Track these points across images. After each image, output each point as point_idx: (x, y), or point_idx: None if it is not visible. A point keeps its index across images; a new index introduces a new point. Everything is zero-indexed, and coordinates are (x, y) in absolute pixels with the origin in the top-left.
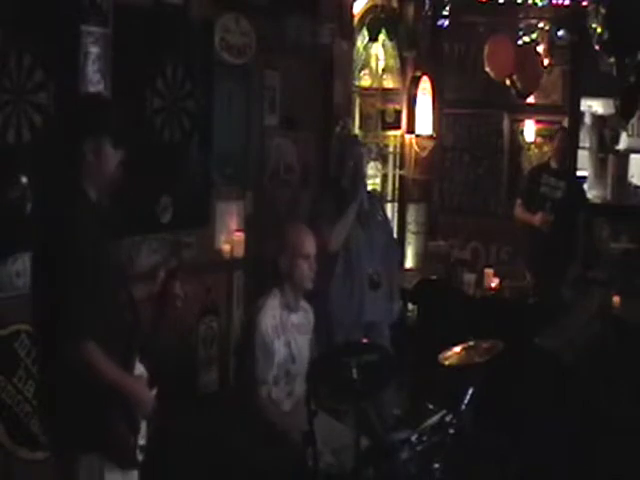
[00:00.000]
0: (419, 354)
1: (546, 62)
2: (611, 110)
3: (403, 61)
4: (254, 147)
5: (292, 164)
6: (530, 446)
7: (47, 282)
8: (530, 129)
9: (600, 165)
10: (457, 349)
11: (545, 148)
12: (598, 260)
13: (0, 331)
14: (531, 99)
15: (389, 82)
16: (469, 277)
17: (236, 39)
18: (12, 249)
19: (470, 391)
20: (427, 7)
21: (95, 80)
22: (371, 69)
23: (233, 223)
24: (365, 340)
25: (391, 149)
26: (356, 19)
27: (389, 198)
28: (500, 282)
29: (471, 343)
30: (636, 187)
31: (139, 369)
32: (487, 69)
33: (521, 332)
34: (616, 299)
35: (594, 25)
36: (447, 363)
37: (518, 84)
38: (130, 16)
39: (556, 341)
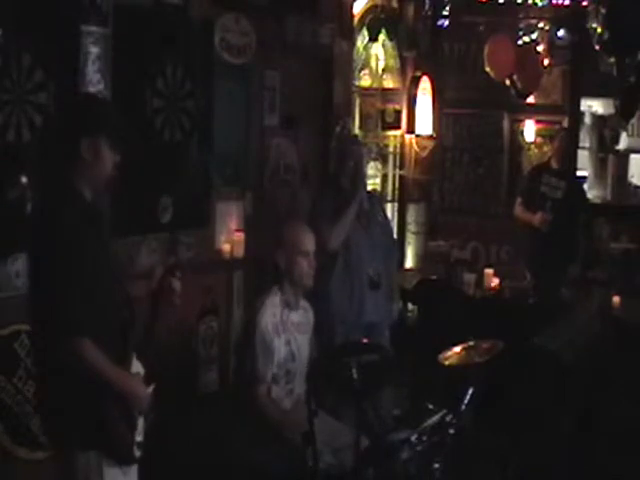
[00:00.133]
0: (419, 354)
1: (546, 62)
2: (611, 110)
3: (403, 61)
4: (254, 147)
5: (292, 164)
6: (530, 446)
7: (41, 280)
8: (530, 129)
9: (600, 165)
10: (457, 349)
11: (545, 148)
12: (598, 260)
13: (0, 331)
14: (531, 99)
15: (389, 82)
16: (469, 277)
17: (236, 39)
18: (12, 249)
19: (470, 391)
20: (427, 7)
21: (95, 80)
22: (371, 69)
23: (233, 223)
24: (365, 340)
25: (391, 149)
26: (356, 19)
27: (389, 198)
28: (500, 282)
29: (471, 343)
30: (636, 187)
31: (136, 366)
32: (487, 69)
33: (521, 332)
34: (616, 299)
35: (594, 25)
36: (447, 363)
37: (518, 84)
38: (130, 16)
39: (556, 341)
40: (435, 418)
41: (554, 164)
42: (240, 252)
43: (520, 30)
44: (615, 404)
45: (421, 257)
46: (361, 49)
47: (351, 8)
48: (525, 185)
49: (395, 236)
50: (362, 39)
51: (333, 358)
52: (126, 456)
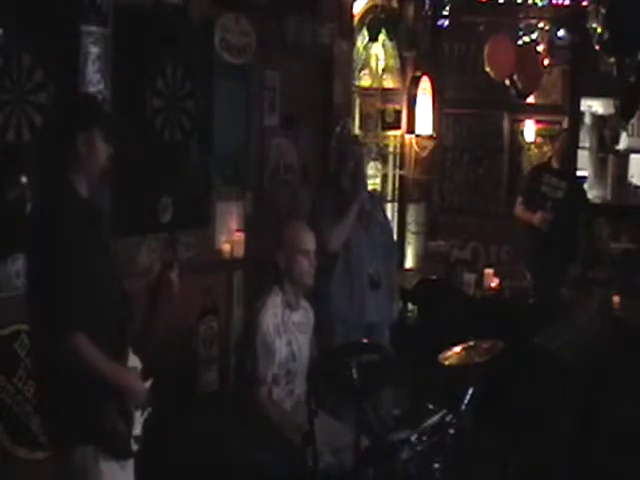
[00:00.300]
0: (419, 354)
1: (546, 62)
2: (611, 110)
3: (403, 61)
4: (254, 147)
5: (292, 164)
6: (530, 446)
7: (37, 276)
8: (530, 129)
9: (600, 165)
10: (457, 349)
11: (545, 148)
12: (598, 260)
13: (0, 331)
14: (531, 99)
15: (389, 82)
16: (469, 277)
17: (236, 39)
18: (12, 249)
19: (470, 391)
20: (427, 7)
21: (95, 80)
22: (371, 69)
23: (233, 223)
24: (365, 340)
25: (391, 149)
26: (356, 19)
27: (389, 198)
28: (500, 282)
29: (471, 343)
30: (636, 187)
31: (133, 361)
32: (487, 69)
33: (521, 332)
34: (616, 299)
35: (594, 25)
36: (447, 363)
37: (518, 84)
38: (130, 16)
39: (556, 341)
40: (435, 418)
41: (555, 164)
42: (240, 252)
43: (520, 30)
44: (615, 404)
45: (421, 257)
46: (361, 49)
47: (351, 8)
48: (526, 185)
49: (395, 236)
50: (362, 39)
51: (333, 358)
52: (123, 450)
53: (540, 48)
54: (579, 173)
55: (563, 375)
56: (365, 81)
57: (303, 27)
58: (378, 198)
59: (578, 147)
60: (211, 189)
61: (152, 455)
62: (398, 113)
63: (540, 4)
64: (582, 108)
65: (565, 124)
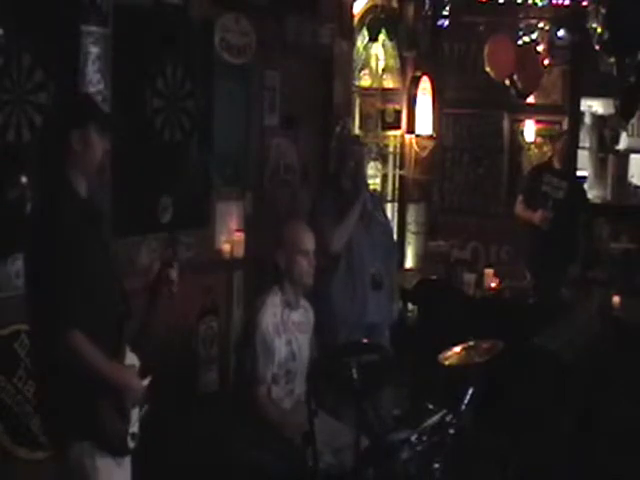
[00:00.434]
0: (419, 354)
1: (546, 62)
2: (611, 110)
3: (403, 61)
4: (254, 147)
5: (292, 164)
6: (530, 446)
7: (34, 273)
8: (530, 129)
9: (600, 165)
10: (457, 349)
11: (545, 148)
12: (598, 260)
13: (0, 331)
14: (531, 99)
15: (389, 82)
16: (469, 277)
17: (236, 39)
18: (12, 249)
19: (470, 391)
20: (427, 7)
21: (95, 80)
22: (371, 69)
23: (233, 223)
24: (365, 340)
25: (391, 149)
26: (356, 19)
27: (389, 198)
28: (500, 282)
29: (471, 343)
30: (636, 187)
31: (131, 359)
32: (487, 69)
33: (521, 332)
34: (616, 299)
35: (594, 25)
36: (447, 363)
37: (518, 84)
38: (130, 16)
39: (556, 341)
40: (435, 418)
41: (556, 164)
42: (240, 252)
43: (520, 30)
44: (615, 404)
45: (421, 257)
46: (361, 49)
47: (351, 8)
48: (526, 184)
49: (395, 236)
50: (362, 39)
51: (333, 358)
52: (119, 447)
53: (540, 48)
54: (579, 173)
55: (563, 375)
56: (365, 81)
57: (303, 27)
58: (378, 198)
59: (578, 147)
60: (211, 189)
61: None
62: (398, 113)
63: (540, 4)
64: (582, 108)
65: (565, 124)
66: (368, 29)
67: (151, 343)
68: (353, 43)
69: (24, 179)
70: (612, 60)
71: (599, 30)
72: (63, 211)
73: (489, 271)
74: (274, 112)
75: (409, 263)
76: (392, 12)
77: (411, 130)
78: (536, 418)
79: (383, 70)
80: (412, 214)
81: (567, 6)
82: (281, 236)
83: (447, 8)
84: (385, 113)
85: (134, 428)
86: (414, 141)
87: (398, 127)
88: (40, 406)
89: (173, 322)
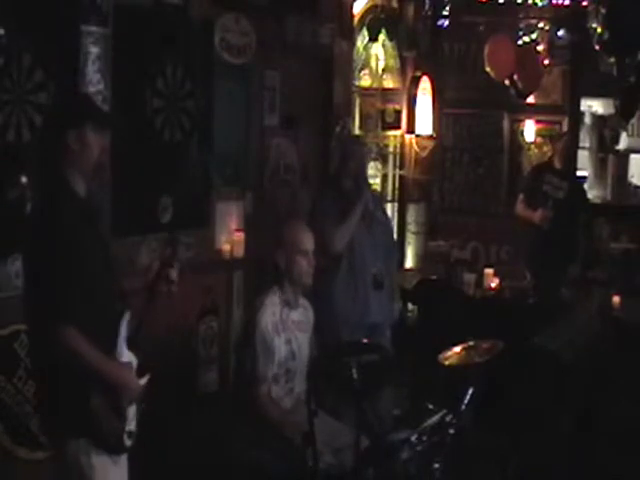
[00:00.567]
0: (419, 354)
1: (546, 62)
2: (611, 110)
3: (403, 61)
4: (254, 147)
5: (292, 164)
6: (530, 446)
7: (30, 270)
8: (530, 129)
9: (600, 165)
10: (457, 349)
11: (545, 148)
12: (598, 260)
13: (0, 331)
14: (531, 99)
15: (389, 82)
16: (469, 277)
17: (236, 39)
18: (12, 249)
19: (470, 391)
20: (427, 7)
21: (95, 80)
22: (371, 69)
23: (233, 223)
24: (365, 340)
25: (391, 149)
26: (356, 19)
27: (389, 198)
28: (500, 282)
29: (471, 343)
30: (636, 187)
31: (128, 356)
32: (487, 69)
33: (521, 332)
34: (616, 299)
35: (594, 25)
36: (447, 363)
37: (518, 84)
38: (130, 16)
39: (556, 341)
40: (435, 418)
41: (557, 164)
42: (240, 252)
43: (520, 30)
44: (615, 404)
45: (421, 257)
46: (361, 49)
47: (351, 8)
48: (527, 183)
49: (395, 236)
50: (362, 39)
51: (333, 358)
52: (115, 445)
53: (540, 48)
54: (579, 173)
55: (563, 375)
56: (365, 81)
57: (303, 27)
58: (379, 198)
59: (578, 147)
60: (211, 189)
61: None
62: (398, 113)
63: (540, 4)
64: (582, 108)
65: (565, 124)
66: (368, 29)
67: (149, 342)
68: (353, 43)
69: (24, 179)
70: (612, 60)
71: (599, 30)
72: (60, 210)
73: (489, 271)
74: (274, 112)
75: (409, 263)
76: (392, 12)
77: (411, 130)
78: (536, 418)
79: (383, 70)
80: (412, 214)
81: (567, 6)
82: (281, 236)
83: (447, 8)
84: (385, 113)
85: (131, 426)
86: (414, 141)
87: (398, 127)
88: (37, 403)
89: (173, 322)
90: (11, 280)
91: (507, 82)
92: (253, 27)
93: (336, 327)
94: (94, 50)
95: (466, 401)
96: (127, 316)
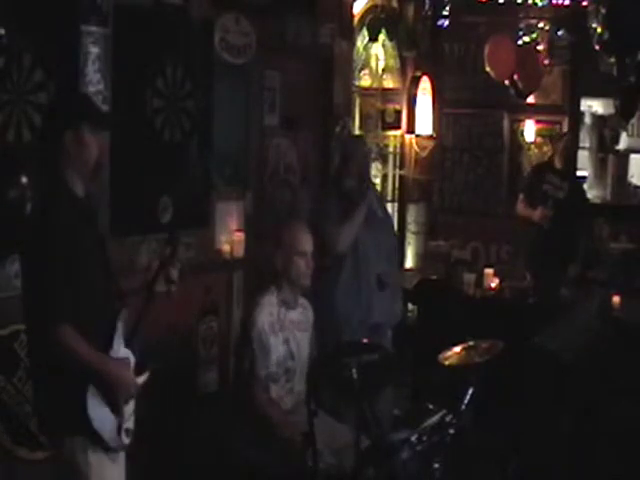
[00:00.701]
0: (419, 354)
1: (546, 62)
2: (611, 110)
3: (403, 61)
4: (254, 147)
5: (292, 164)
6: (530, 446)
7: (25, 268)
8: (530, 129)
9: (600, 165)
10: (457, 349)
11: (545, 148)
12: (598, 260)
13: (0, 331)
14: (531, 99)
15: (389, 82)
16: (469, 277)
17: (236, 39)
18: (12, 249)
19: (470, 391)
20: (427, 7)
21: (95, 80)
22: (371, 69)
23: (233, 223)
24: (365, 340)
25: (391, 149)
26: (356, 19)
27: (389, 198)
28: (500, 282)
29: (471, 343)
30: (636, 187)
31: (125, 354)
32: (487, 69)
33: (521, 332)
34: (616, 299)
35: (594, 25)
36: (447, 363)
37: (518, 84)
38: (130, 16)
39: (556, 341)
40: (435, 418)
41: (557, 164)
42: (240, 252)
43: (520, 30)
44: (615, 404)
45: (421, 257)
46: (361, 49)
47: (351, 8)
48: (527, 183)
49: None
50: (362, 39)
51: (333, 358)
52: (111, 442)
53: (540, 48)
54: (579, 173)
55: (563, 375)
56: (365, 81)
57: (303, 27)
58: (378, 196)
59: (578, 147)
60: (211, 189)
61: (152, 455)
62: (398, 113)
63: (540, 4)
64: (582, 108)
65: (565, 124)
66: (368, 29)
67: (147, 340)
68: (353, 43)
69: (24, 179)
70: (612, 60)
71: (599, 30)
72: (57, 209)
73: (489, 271)
74: (274, 112)
75: (409, 263)
76: (392, 12)
77: (411, 130)
78: (536, 418)
79: (383, 70)
80: (412, 214)
81: (567, 6)
82: (279, 237)
83: (447, 8)
84: (385, 113)
85: (128, 424)
86: (414, 141)
87: (398, 127)
88: (34, 401)
89: (173, 322)
90: (11, 280)
91: (507, 82)
92: (253, 27)
93: (338, 327)
94: (94, 50)
95: (466, 401)
96: (124, 314)
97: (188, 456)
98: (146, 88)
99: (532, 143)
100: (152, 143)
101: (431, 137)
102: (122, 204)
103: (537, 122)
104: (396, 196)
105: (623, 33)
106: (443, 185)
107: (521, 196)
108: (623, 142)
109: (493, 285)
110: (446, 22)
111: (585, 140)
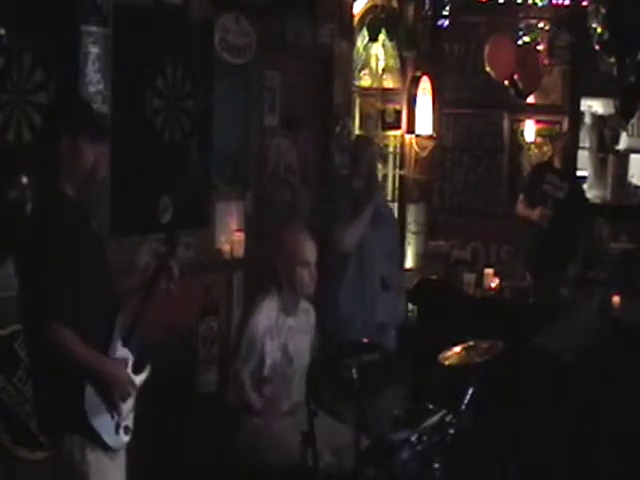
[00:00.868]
0: (419, 354)
1: (546, 62)
2: (611, 110)
3: (403, 61)
4: (254, 147)
5: (292, 164)
6: (530, 446)
7: (21, 266)
8: (530, 129)
9: (600, 165)
10: (457, 349)
11: (545, 148)
12: (598, 260)
13: (0, 331)
14: (531, 99)
15: (389, 82)
16: (469, 277)
17: (236, 39)
18: (12, 249)
19: (470, 391)
20: (427, 7)
21: (95, 80)
22: (371, 69)
23: (233, 223)
24: (365, 340)
25: (391, 149)
26: (356, 19)
27: (389, 198)
28: (500, 282)
29: (471, 343)
30: (636, 187)
31: (123, 352)
32: (487, 69)
33: (521, 332)
34: (616, 299)
35: (594, 25)
36: (447, 363)
37: (518, 84)
38: (130, 16)
39: (556, 341)
40: (435, 418)
41: (557, 164)
42: (240, 252)
43: (520, 30)
44: (615, 404)
45: (421, 257)
46: (361, 49)
47: (351, 8)
48: (527, 183)
49: None
50: (362, 39)
51: (333, 358)
52: (109, 441)
53: (540, 48)
54: (579, 173)
55: (563, 375)
56: (365, 81)
57: (303, 27)
58: (385, 197)
59: (578, 147)
60: (211, 189)
61: (152, 455)
62: (398, 113)
63: (540, 4)
64: (582, 108)
65: (565, 124)
66: (368, 29)
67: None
68: (353, 43)
69: (24, 179)
70: (612, 60)
71: (599, 30)
72: (51, 211)
73: (489, 271)
74: (274, 112)
75: (409, 263)
76: (392, 12)
77: (411, 130)
78: (536, 418)
79: (383, 70)
80: (412, 214)
81: (567, 6)
82: (281, 239)
83: (447, 8)
84: (385, 113)
85: (127, 421)
86: (414, 141)
87: (398, 127)
88: (34, 401)
89: (173, 322)
90: (11, 280)
91: (507, 82)
92: (253, 27)
93: (342, 327)
94: (94, 50)
95: (466, 401)
96: (122, 314)
97: (188, 456)
98: (146, 88)
99: (532, 143)
100: (152, 143)
101: (431, 137)
102: (122, 204)
103: (537, 122)
104: (396, 196)
105: (623, 33)
106: (443, 185)
107: (521, 196)
108: (623, 142)
109: (493, 285)
110: (446, 22)
111: (585, 140)
